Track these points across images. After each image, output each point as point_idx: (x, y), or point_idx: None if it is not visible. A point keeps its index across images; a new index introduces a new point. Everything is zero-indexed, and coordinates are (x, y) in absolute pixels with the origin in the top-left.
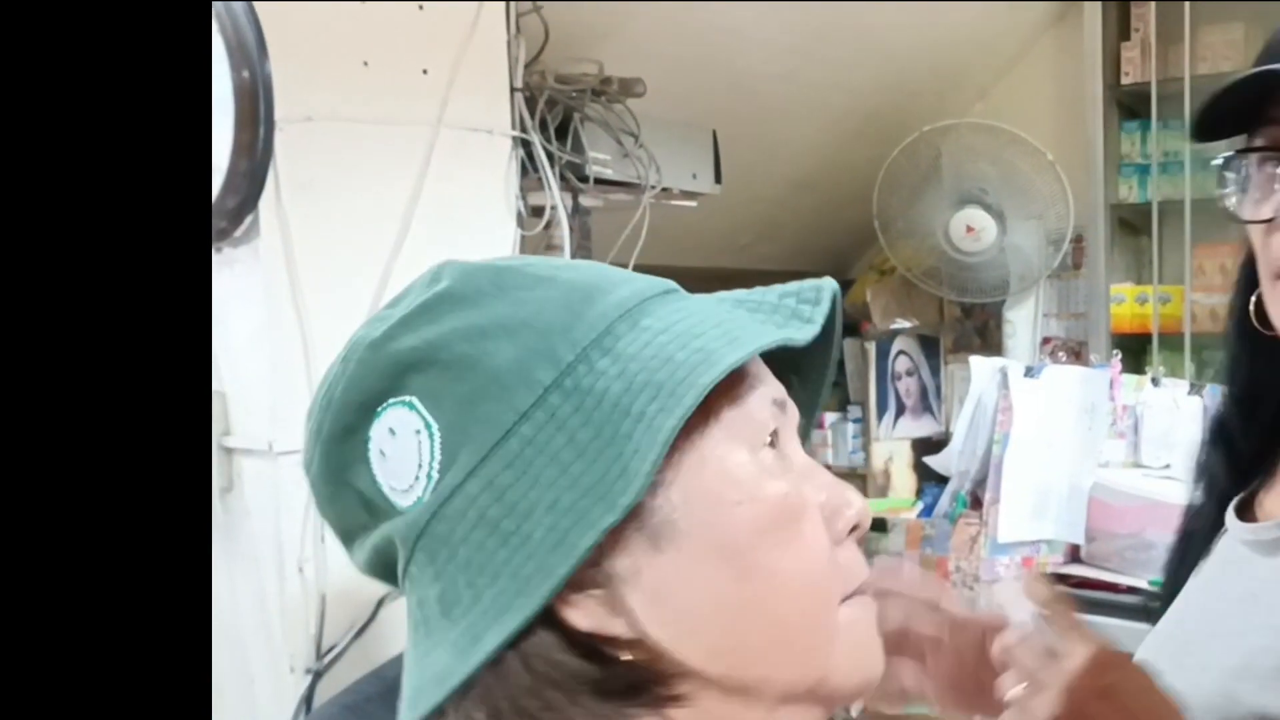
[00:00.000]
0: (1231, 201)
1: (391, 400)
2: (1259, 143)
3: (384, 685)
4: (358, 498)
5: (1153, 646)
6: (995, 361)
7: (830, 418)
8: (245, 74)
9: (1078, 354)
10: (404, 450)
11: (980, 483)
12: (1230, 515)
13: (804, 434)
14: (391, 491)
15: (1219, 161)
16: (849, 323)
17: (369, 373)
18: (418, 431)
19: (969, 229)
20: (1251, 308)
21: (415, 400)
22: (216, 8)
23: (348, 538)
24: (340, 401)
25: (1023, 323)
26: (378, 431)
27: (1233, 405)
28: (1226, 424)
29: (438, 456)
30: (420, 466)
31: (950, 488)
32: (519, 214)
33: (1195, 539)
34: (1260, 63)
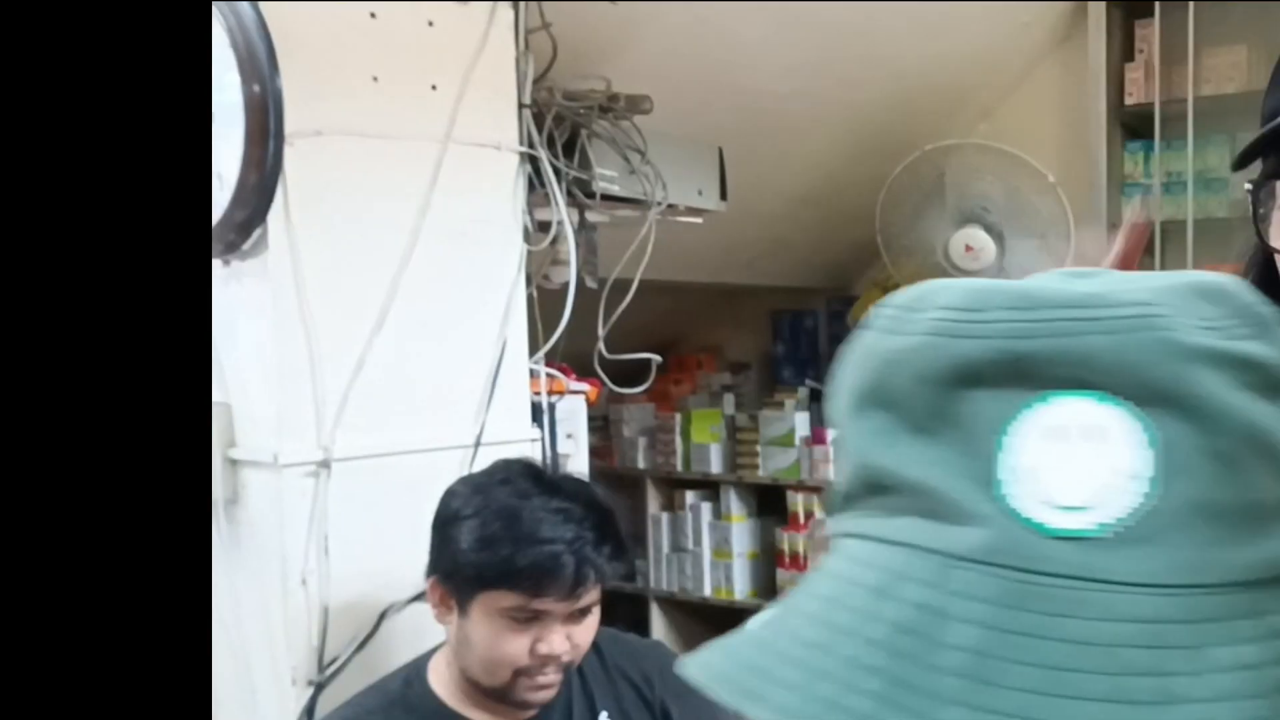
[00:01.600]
0: (1261, 227)
1: None
2: None
3: (385, 698)
4: None
5: None
6: None
7: (831, 433)
8: (256, 88)
9: None
10: None
11: None
12: None
13: None
14: None
15: (1249, 186)
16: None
17: None
18: None
19: (968, 248)
20: None
21: None
22: (228, 20)
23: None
24: None
25: None
26: None
27: None
28: None
29: None
30: None
31: None
32: (526, 229)
33: None
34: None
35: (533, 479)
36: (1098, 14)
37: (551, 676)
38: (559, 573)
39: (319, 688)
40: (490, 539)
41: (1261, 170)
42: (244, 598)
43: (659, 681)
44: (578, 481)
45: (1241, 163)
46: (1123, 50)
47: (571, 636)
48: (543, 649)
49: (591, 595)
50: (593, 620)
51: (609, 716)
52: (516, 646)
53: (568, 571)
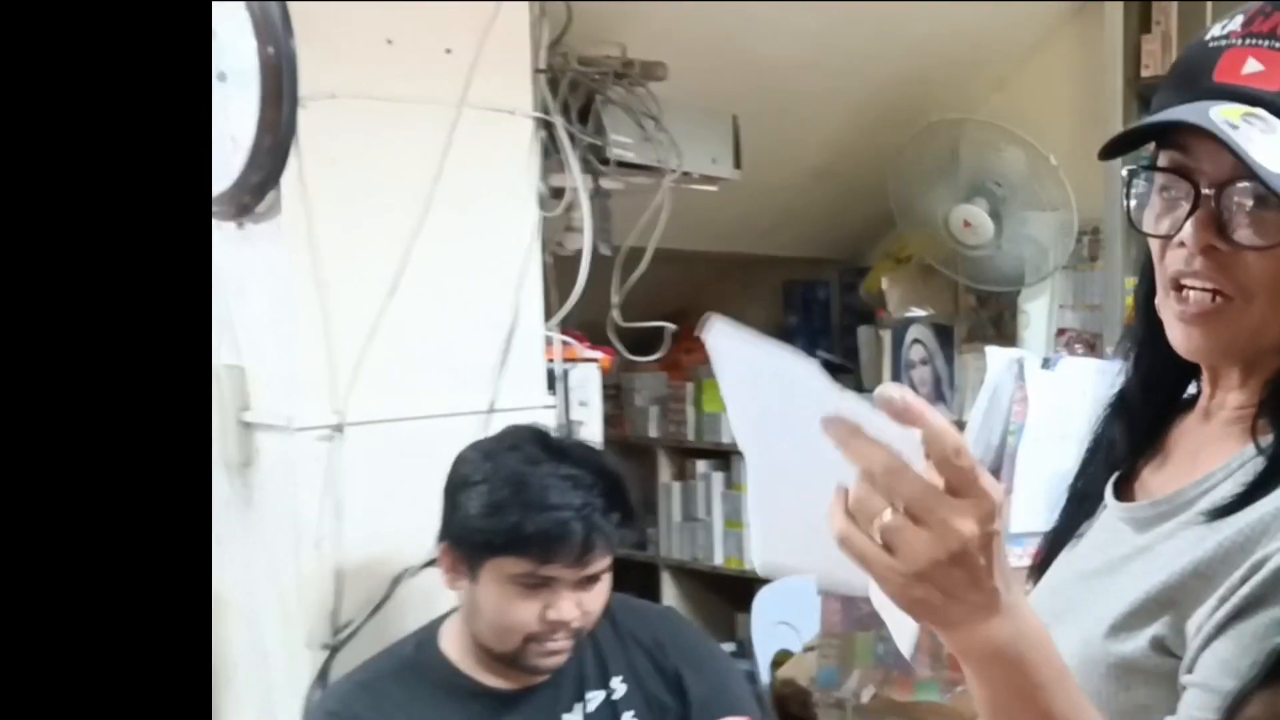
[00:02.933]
0: (1133, 210)
1: None
2: (1163, 163)
3: (397, 662)
4: None
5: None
6: (1011, 352)
7: None
8: (271, 50)
9: (1093, 346)
10: None
11: (994, 473)
12: (1109, 492)
13: None
14: None
15: (1124, 174)
16: (865, 310)
17: None
18: None
19: (966, 224)
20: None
21: None
22: None
23: None
24: None
25: (1038, 313)
26: None
27: (1135, 382)
28: (1127, 397)
29: None
30: None
31: None
32: (540, 195)
33: (1082, 505)
34: (1173, 80)
35: (542, 445)
36: None
37: (562, 643)
38: (567, 539)
39: (333, 651)
40: (498, 505)
41: (1142, 160)
42: (257, 561)
43: (671, 647)
44: (587, 448)
45: (1112, 152)
46: (1140, 21)
47: (582, 603)
48: (552, 615)
49: (601, 562)
50: (603, 588)
51: (621, 681)
52: (526, 612)
53: (576, 538)
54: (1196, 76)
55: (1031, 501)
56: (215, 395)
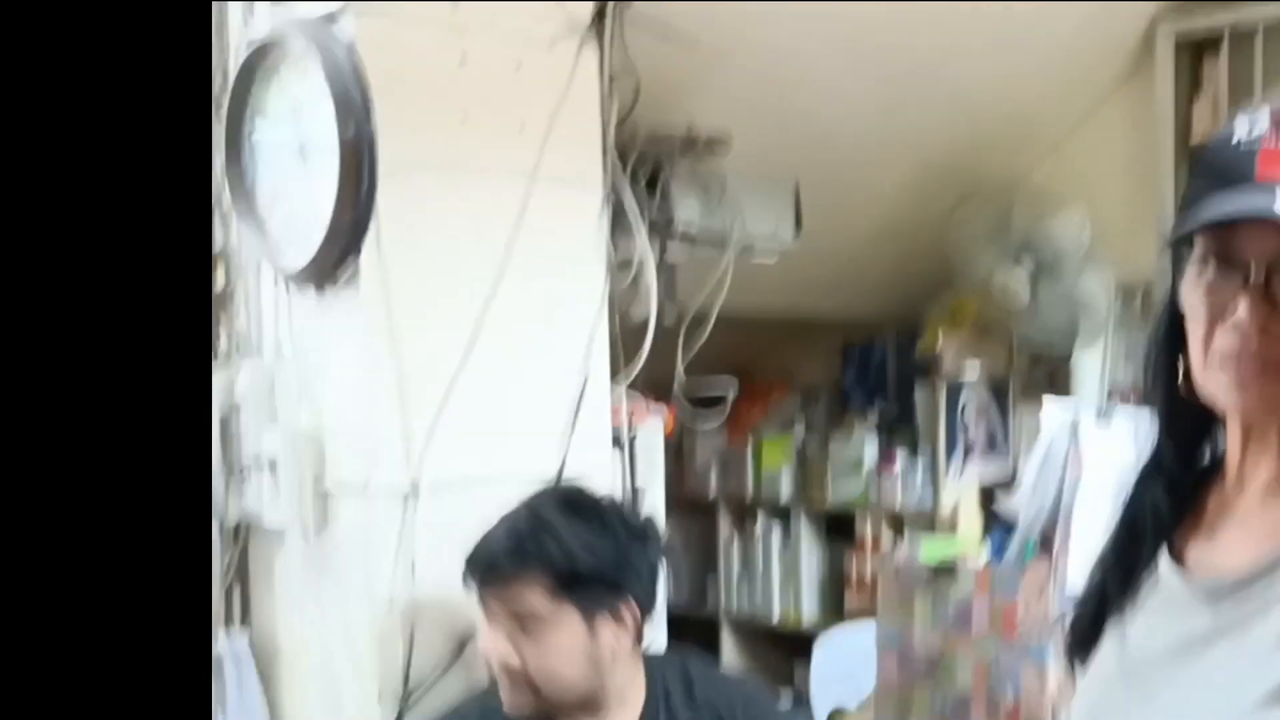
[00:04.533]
0: (1180, 289)
1: None
2: (1211, 246)
3: (478, 694)
4: None
5: (1100, 693)
6: (1066, 406)
7: (899, 460)
8: (352, 129)
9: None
10: None
11: (1050, 528)
12: (1166, 563)
13: None
14: None
15: (1175, 237)
16: (921, 367)
17: None
18: None
19: (1012, 286)
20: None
21: None
22: (326, 64)
23: None
24: None
25: (1091, 370)
26: None
27: (1170, 449)
28: (1164, 464)
29: None
30: None
31: (1020, 533)
32: (608, 264)
33: (1131, 573)
34: (1209, 175)
35: (556, 496)
36: (1165, 49)
37: (509, 688)
38: (471, 567)
39: (404, 708)
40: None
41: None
42: (333, 619)
43: (742, 717)
44: (578, 495)
45: (1176, 241)
46: (1190, 86)
47: (519, 646)
48: (484, 650)
49: (528, 599)
50: (553, 640)
51: None
52: (482, 642)
53: (498, 560)
54: (1238, 176)
55: (1088, 556)
56: (294, 460)
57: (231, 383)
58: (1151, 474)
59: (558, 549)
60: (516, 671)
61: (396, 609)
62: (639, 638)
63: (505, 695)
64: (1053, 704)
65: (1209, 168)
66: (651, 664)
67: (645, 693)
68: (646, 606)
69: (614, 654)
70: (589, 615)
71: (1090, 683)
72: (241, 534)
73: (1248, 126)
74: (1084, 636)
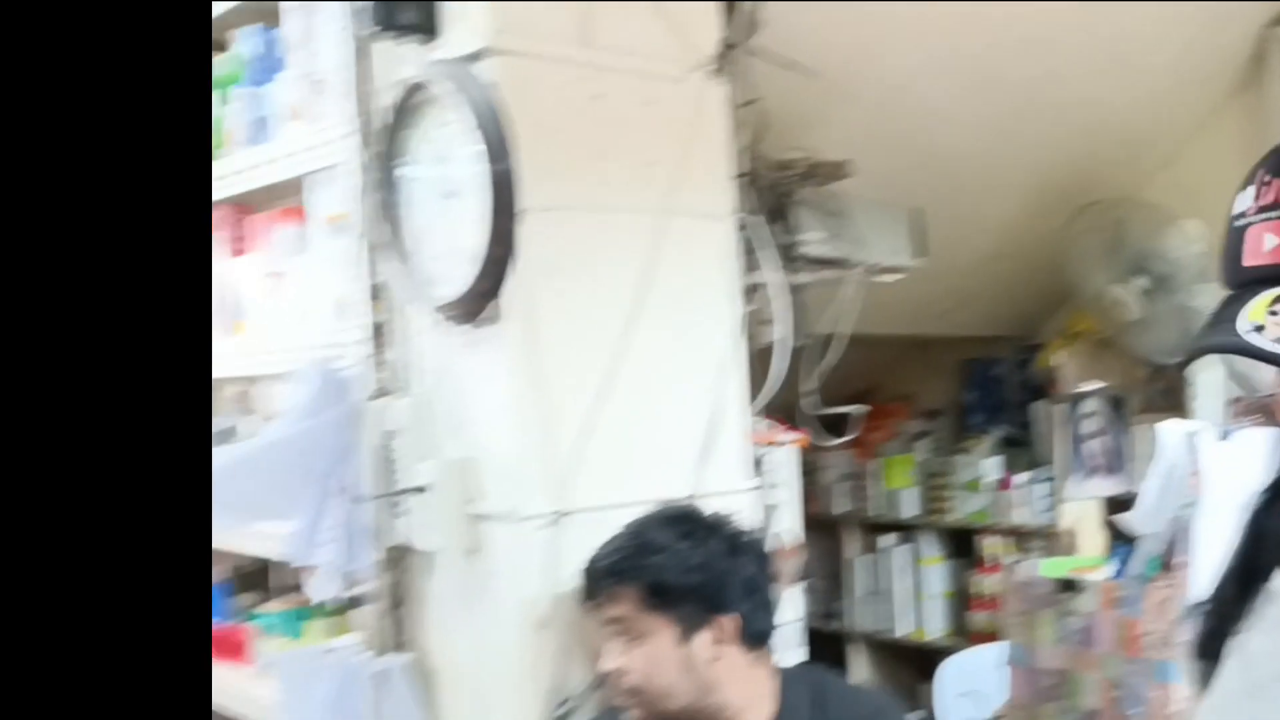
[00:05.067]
0: None
1: None
2: None
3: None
4: None
5: (1223, 704)
6: (1186, 424)
7: (1020, 479)
8: (495, 168)
9: (1270, 413)
10: None
11: (1172, 545)
12: None
13: None
14: None
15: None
16: (1039, 385)
17: None
18: None
19: (1126, 300)
20: None
21: None
22: (472, 106)
23: None
24: None
25: (1211, 384)
26: None
27: None
28: None
29: None
30: None
31: (1142, 550)
32: (739, 291)
33: (1249, 588)
34: (1221, 263)
35: (669, 514)
36: (1277, 58)
37: (621, 699)
38: (582, 583)
39: None
40: None
41: None
42: (487, 642)
43: None
44: (684, 514)
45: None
46: None
47: (625, 658)
48: (600, 662)
49: (618, 609)
50: (649, 650)
51: None
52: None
53: (592, 578)
54: (1233, 262)
55: (1211, 573)
56: (444, 487)
57: (388, 414)
58: (1276, 492)
59: (649, 563)
60: (623, 684)
61: (547, 631)
62: (749, 649)
63: (624, 708)
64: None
65: (1222, 250)
66: (786, 678)
67: (779, 705)
68: (752, 619)
69: (712, 665)
70: (682, 627)
71: (1214, 700)
72: (400, 559)
73: (1241, 194)
74: (1205, 652)
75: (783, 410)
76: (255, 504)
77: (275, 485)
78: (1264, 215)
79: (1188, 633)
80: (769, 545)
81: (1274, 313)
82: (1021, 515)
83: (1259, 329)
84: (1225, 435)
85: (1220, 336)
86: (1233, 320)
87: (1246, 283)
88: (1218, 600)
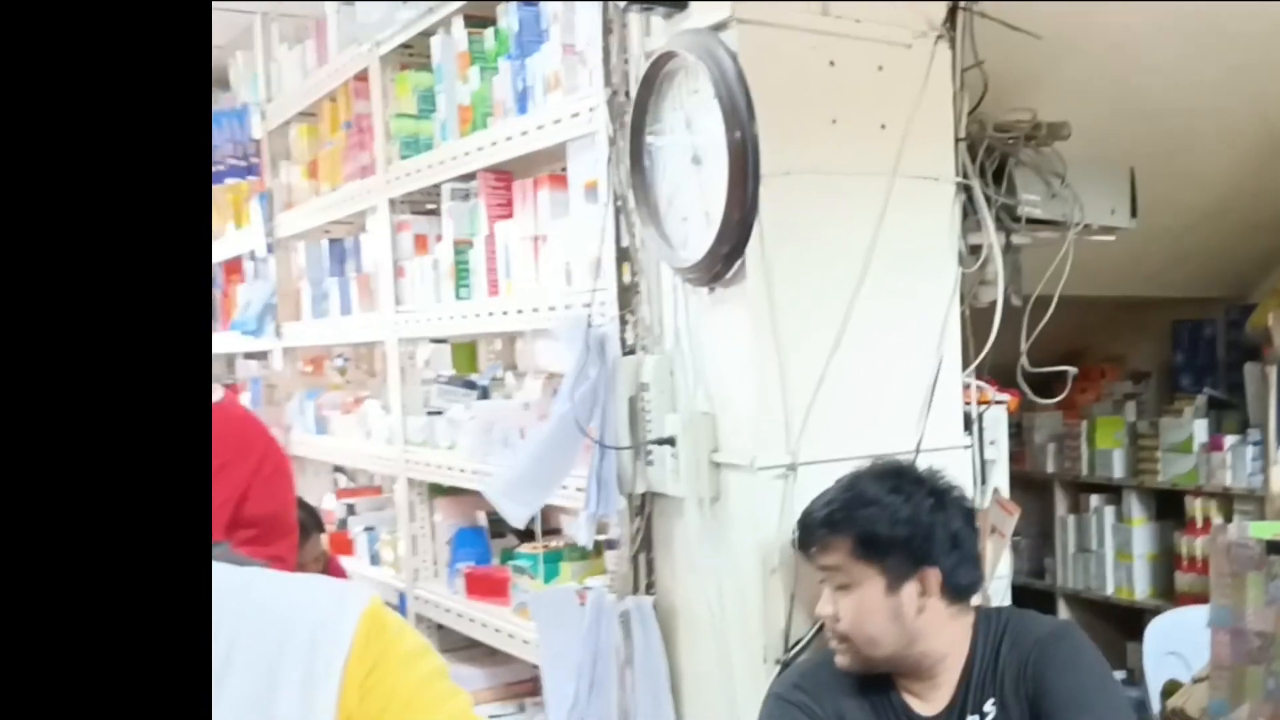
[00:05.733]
0: None
1: None
2: None
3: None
4: None
5: None
6: None
7: (1229, 440)
8: (738, 134)
9: None
10: None
11: None
12: None
13: None
14: None
15: None
16: (1250, 347)
17: None
18: None
19: None
20: None
21: None
22: (713, 73)
23: None
24: None
25: None
26: None
27: None
28: None
29: None
30: None
31: None
32: (959, 253)
33: None
34: None
35: (880, 469)
36: None
37: (836, 643)
38: (798, 532)
39: (784, 665)
40: None
41: None
42: (725, 584)
43: (1043, 675)
44: (896, 469)
45: None
46: None
47: (836, 603)
48: (816, 608)
49: (830, 557)
50: (858, 599)
51: (993, 704)
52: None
53: (806, 531)
54: None
55: None
56: (690, 438)
57: (638, 369)
58: None
59: (860, 515)
60: (836, 628)
61: (778, 576)
62: (951, 601)
63: (835, 651)
64: None
65: None
66: (979, 622)
67: (971, 649)
68: (955, 573)
69: (919, 614)
70: (890, 577)
71: None
72: (647, 505)
73: None
74: None
75: (995, 370)
76: (559, 470)
77: (571, 448)
78: None
79: None
80: (985, 502)
81: None
82: (1230, 478)
83: None
84: None
85: None
86: None
87: None
88: None
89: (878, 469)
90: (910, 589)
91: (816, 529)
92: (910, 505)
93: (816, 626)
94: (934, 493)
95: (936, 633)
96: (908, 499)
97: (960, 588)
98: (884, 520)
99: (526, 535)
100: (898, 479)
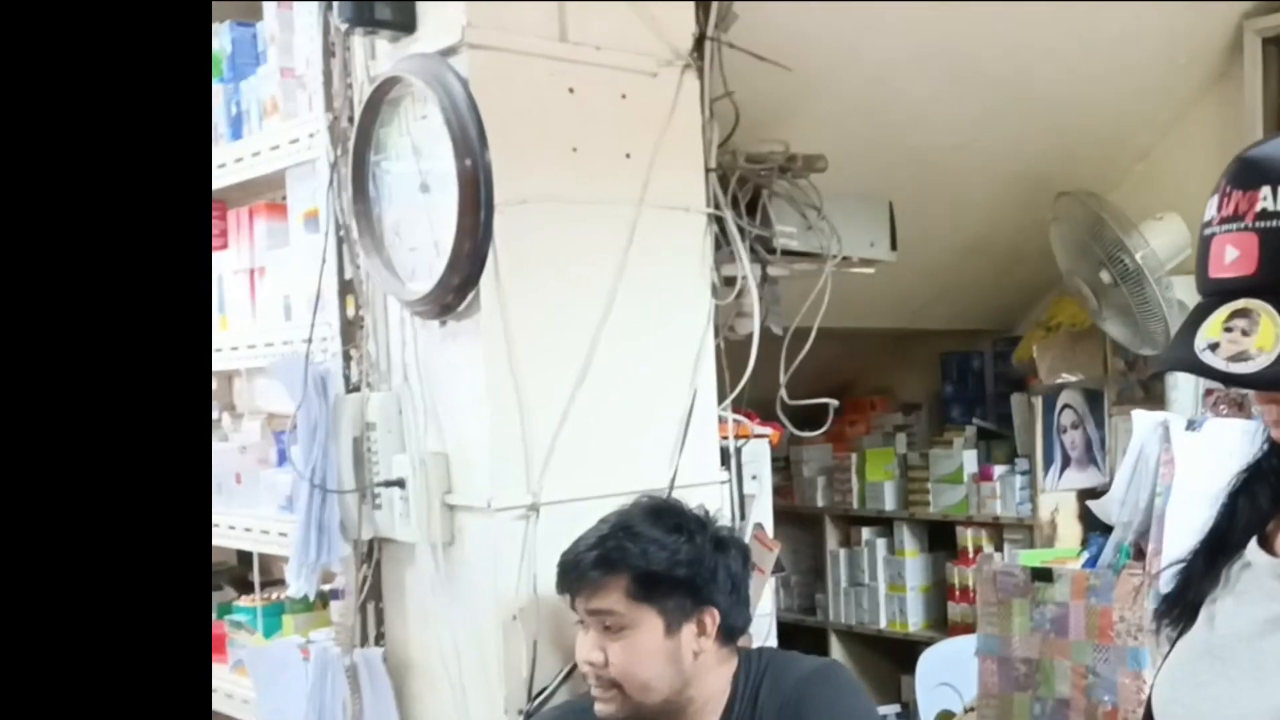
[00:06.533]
0: None
1: None
2: None
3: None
4: None
5: (1184, 667)
6: (1157, 415)
7: (998, 470)
8: (468, 162)
9: (1240, 405)
10: None
11: (1143, 534)
12: (1255, 548)
13: None
14: None
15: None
16: (1016, 378)
17: None
18: None
19: (1098, 293)
20: None
21: None
22: (442, 100)
23: None
24: None
25: (1186, 376)
26: None
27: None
28: (1265, 466)
29: None
30: None
31: (1114, 539)
32: (713, 285)
33: (1217, 560)
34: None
35: (642, 506)
36: (1253, 50)
37: (599, 690)
38: (561, 574)
39: (528, 717)
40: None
41: None
42: (462, 633)
43: (794, 700)
44: (671, 507)
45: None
46: (1279, 86)
47: (606, 649)
48: (577, 654)
49: (602, 600)
50: (633, 643)
51: None
52: (577, 650)
53: (574, 572)
54: (1202, 270)
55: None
56: (421, 480)
57: (363, 408)
58: (1255, 473)
59: (638, 554)
60: (603, 675)
61: (520, 622)
62: (723, 644)
63: (596, 700)
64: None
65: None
66: (740, 662)
67: (732, 692)
68: (730, 615)
69: (695, 658)
70: (669, 619)
71: (1175, 658)
72: (375, 551)
73: (1210, 204)
74: (1172, 618)
75: (757, 404)
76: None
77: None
78: (1226, 226)
79: (1158, 603)
80: (745, 538)
81: (1229, 329)
82: (1000, 507)
83: (1214, 347)
84: (1195, 425)
85: (1179, 352)
86: (1192, 336)
87: (1212, 293)
88: (1188, 572)
89: (649, 507)
90: (689, 631)
91: (587, 570)
92: (691, 545)
93: (565, 672)
94: (712, 532)
95: (707, 675)
96: (689, 539)
97: (734, 629)
98: (664, 559)
99: (245, 587)
100: (674, 517)
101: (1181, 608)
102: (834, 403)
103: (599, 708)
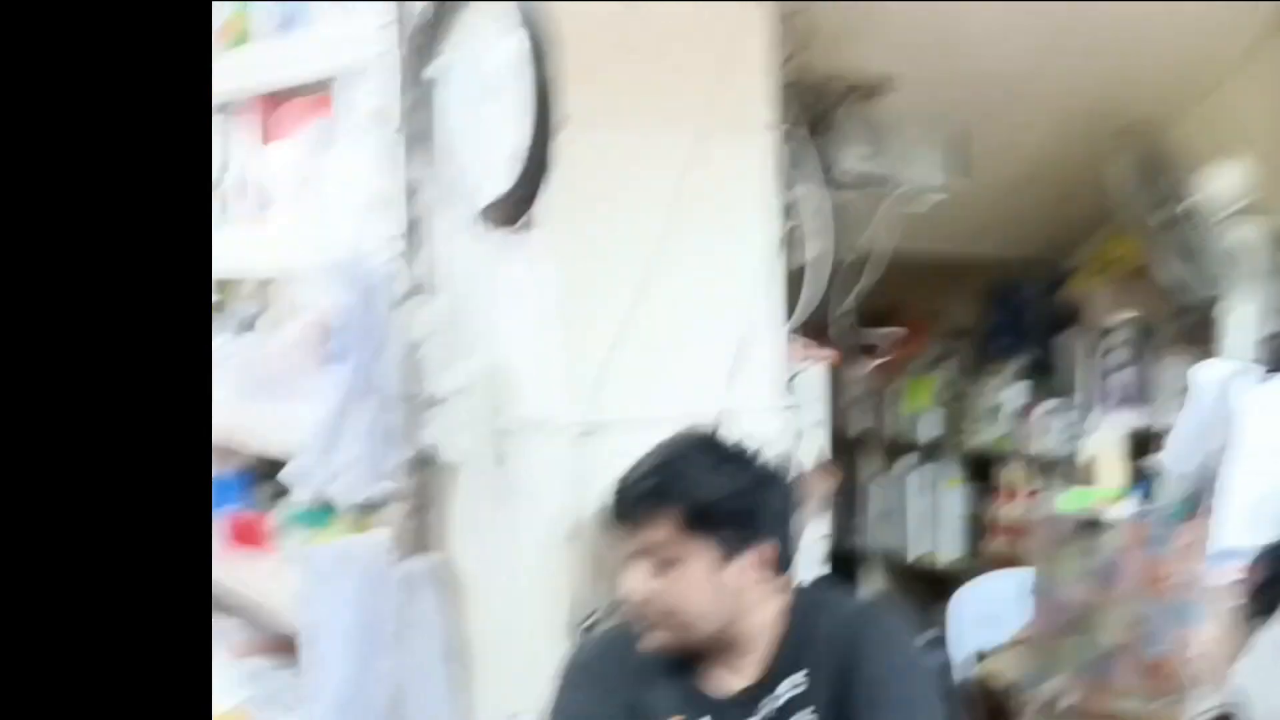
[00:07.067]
0: None
1: None
2: None
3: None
4: None
5: (1271, 651)
6: (1222, 367)
7: (1043, 407)
8: (539, 74)
9: None
10: None
11: (1203, 487)
12: None
13: None
14: None
15: None
16: (1065, 313)
17: None
18: None
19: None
20: None
21: None
22: (514, 10)
23: None
24: None
25: (1245, 318)
26: None
27: None
28: None
29: None
30: None
31: (1171, 491)
32: (777, 208)
33: None
34: None
35: (694, 437)
36: None
37: (647, 623)
38: (611, 506)
39: (582, 634)
40: None
41: None
42: (516, 552)
43: (857, 654)
44: (722, 438)
45: None
46: None
47: (655, 582)
48: (624, 587)
49: (654, 532)
50: (684, 575)
51: (805, 675)
52: (623, 581)
53: (620, 507)
54: None
55: (1241, 516)
56: (477, 394)
57: (418, 317)
58: None
59: (691, 487)
60: (651, 609)
61: (571, 543)
62: (775, 577)
63: (643, 632)
64: (1204, 662)
65: None
66: (794, 599)
67: (786, 627)
68: (783, 548)
69: (747, 593)
70: (721, 553)
71: (1260, 649)
72: (426, 463)
73: None
74: (1259, 606)
75: (814, 329)
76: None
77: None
78: None
79: (1213, 577)
80: (806, 465)
81: None
82: (1043, 444)
83: None
84: (1261, 377)
85: None
86: None
87: None
88: (1276, 554)
89: (698, 438)
90: (741, 564)
91: (639, 501)
92: (743, 476)
93: (615, 602)
94: (762, 464)
95: (758, 609)
96: (739, 470)
97: (787, 562)
98: (717, 492)
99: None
100: (723, 449)
101: (1270, 597)
102: (899, 332)
103: (646, 639)
